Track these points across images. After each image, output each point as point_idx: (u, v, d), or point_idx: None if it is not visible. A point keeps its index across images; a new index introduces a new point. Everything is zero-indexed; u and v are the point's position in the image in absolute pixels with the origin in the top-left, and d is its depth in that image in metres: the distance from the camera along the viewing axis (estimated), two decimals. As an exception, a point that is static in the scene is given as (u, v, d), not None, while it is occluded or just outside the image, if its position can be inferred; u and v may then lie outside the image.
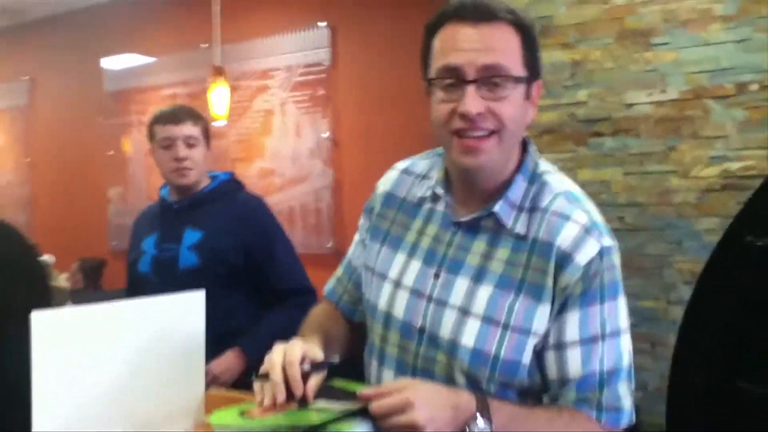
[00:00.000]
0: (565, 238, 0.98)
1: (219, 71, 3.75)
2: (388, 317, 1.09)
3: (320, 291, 1.36)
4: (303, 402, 0.90)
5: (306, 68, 4.19)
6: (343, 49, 4.10)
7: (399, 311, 1.07)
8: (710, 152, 2.49)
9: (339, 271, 1.30)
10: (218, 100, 3.77)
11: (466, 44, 0.97)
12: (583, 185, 1.10)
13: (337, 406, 0.90)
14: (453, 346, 1.00)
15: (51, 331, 0.92)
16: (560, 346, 0.99)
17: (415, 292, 1.06)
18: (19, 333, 0.90)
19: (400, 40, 3.64)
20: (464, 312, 1.00)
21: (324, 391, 0.93)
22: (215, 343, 1.81)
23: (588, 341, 0.98)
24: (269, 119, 4.36)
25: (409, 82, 3.04)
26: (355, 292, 1.24)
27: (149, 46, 4.92)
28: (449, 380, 1.01)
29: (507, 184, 1.04)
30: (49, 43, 5.51)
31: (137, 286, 2.00)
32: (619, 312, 1.00)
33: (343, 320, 1.26)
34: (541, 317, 0.98)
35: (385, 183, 1.21)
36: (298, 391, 0.90)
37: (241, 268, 1.93)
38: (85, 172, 5.30)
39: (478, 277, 1.01)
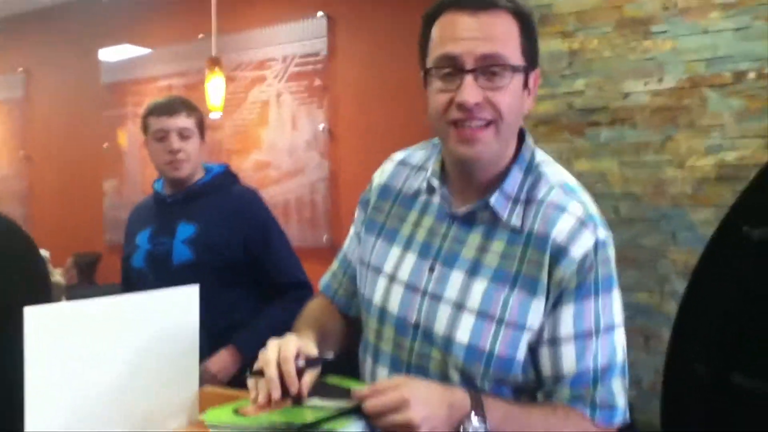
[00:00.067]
0: (560, 230, 0.97)
1: (215, 62, 3.73)
2: (383, 312, 1.08)
3: (316, 285, 1.35)
4: (297, 399, 0.90)
5: (302, 58, 4.16)
6: (341, 40, 4.07)
7: (394, 306, 1.06)
8: (706, 142, 2.48)
9: (334, 265, 1.29)
10: (214, 91, 3.75)
11: (464, 33, 0.95)
12: (578, 176, 1.10)
13: (331, 404, 0.89)
14: (447, 342, 0.99)
15: (44, 326, 0.92)
16: (554, 342, 0.98)
17: (410, 287, 1.05)
18: (20, 332, 0.89)
19: (399, 30, 3.62)
20: (459, 307, 1.00)
21: (318, 388, 0.92)
22: (219, 337, 1.82)
23: (582, 336, 0.97)
24: (265, 110, 4.33)
25: (407, 72, 3.02)
26: (350, 287, 1.23)
27: (145, 38, 4.89)
28: (443, 377, 1.00)
29: (503, 175, 1.03)
30: (45, 35, 5.47)
31: (132, 281, 1.99)
32: (613, 306, 1.00)
33: (339, 315, 1.24)
34: (536, 312, 0.97)
35: (381, 175, 1.20)
36: (294, 388, 0.89)
37: (237, 262, 1.92)
38: (81, 165, 5.28)
39: (473, 270, 1.00)
